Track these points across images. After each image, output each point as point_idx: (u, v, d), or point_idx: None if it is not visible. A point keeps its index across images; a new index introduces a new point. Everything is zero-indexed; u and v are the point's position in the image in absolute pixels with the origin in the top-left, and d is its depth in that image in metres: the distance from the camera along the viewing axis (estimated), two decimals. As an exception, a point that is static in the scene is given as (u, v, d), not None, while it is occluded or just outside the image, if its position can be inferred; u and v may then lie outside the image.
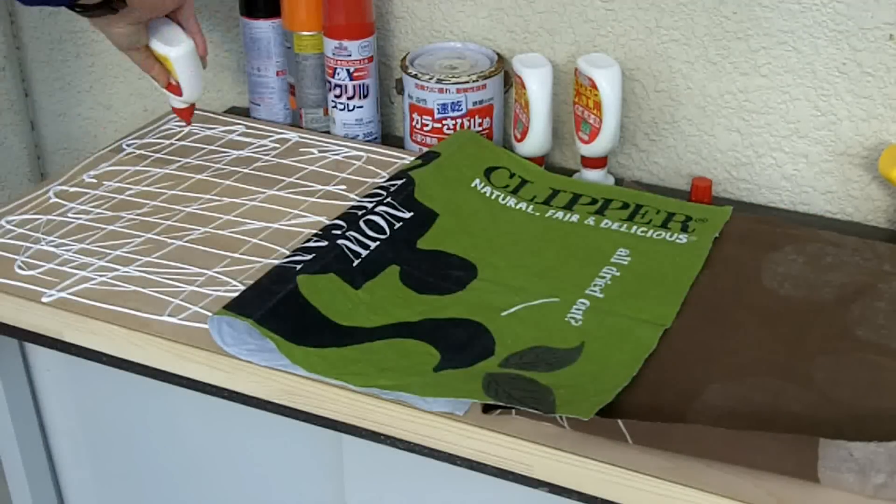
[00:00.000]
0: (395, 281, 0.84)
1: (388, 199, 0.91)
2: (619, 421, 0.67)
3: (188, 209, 0.95)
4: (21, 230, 0.92)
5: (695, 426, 0.67)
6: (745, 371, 0.75)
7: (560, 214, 0.95)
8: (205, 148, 1.07)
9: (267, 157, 1.05)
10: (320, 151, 1.07)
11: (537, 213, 0.96)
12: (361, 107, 1.12)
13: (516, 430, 0.69)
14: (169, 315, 0.80)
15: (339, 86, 1.10)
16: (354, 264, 0.83)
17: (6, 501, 1.02)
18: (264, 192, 0.98)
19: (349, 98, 1.11)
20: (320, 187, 0.99)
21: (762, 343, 0.78)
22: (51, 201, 0.97)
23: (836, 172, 1.03)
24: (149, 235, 0.91)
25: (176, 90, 1.00)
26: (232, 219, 0.94)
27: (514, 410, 0.70)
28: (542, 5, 1.09)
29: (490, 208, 0.96)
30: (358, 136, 1.13)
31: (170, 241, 0.90)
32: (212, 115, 1.15)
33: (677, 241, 0.91)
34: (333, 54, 1.09)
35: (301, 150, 1.07)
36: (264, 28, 1.14)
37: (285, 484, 0.89)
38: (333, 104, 1.12)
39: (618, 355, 0.76)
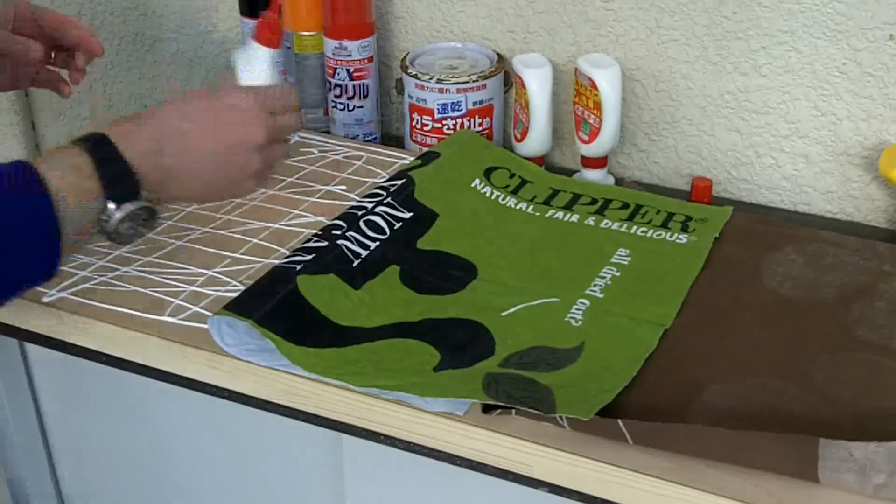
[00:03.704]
0: (395, 281, 0.84)
1: (388, 200, 0.91)
2: (619, 421, 0.67)
3: (188, 209, 0.95)
4: (21, 230, 0.92)
5: (695, 426, 0.67)
6: (745, 371, 0.75)
7: (560, 214, 0.95)
8: (205, 148, 1.07)
9: (267, 157, 1.05)
10: (320, 151, 1.07)
11: (537, 213, 0.95)
12: (361, 107, 1.12)
13: (516, 430, 0.69)
14: (169, 315, 0.80)
15: (339, 86, 1.10)
16: (354, 264, 0.83)
17: (6, 501, 1.02)
18: (264, 192, 0.98)
19: (349, 98, 1.11)
20: (320, 187, 0.99)
21: (762, 343, 0.78)
22: (51, 201, 0.97)
23: (836, 172, 1.03)
24: (149, 235, 0.91)
25: None
26: (232, 219, 0.94)
27: (514, 410, 0.70)
28: (542, 5, 1.09)
29: (490, 208, 0.95)
30: (358, 136, 1.13)
31: (170, 241, 0.90)
32: (212, 115, 1.15)
33: (677, 241, 0.91)
34: (333, 54, 1.09)
35: (301, 150, 1.07)
36: (264, 28, 1.14)
37: (285, 484, 0.89)
38: (333, 104, 1.12)
39: (618, 355, 0.76)
